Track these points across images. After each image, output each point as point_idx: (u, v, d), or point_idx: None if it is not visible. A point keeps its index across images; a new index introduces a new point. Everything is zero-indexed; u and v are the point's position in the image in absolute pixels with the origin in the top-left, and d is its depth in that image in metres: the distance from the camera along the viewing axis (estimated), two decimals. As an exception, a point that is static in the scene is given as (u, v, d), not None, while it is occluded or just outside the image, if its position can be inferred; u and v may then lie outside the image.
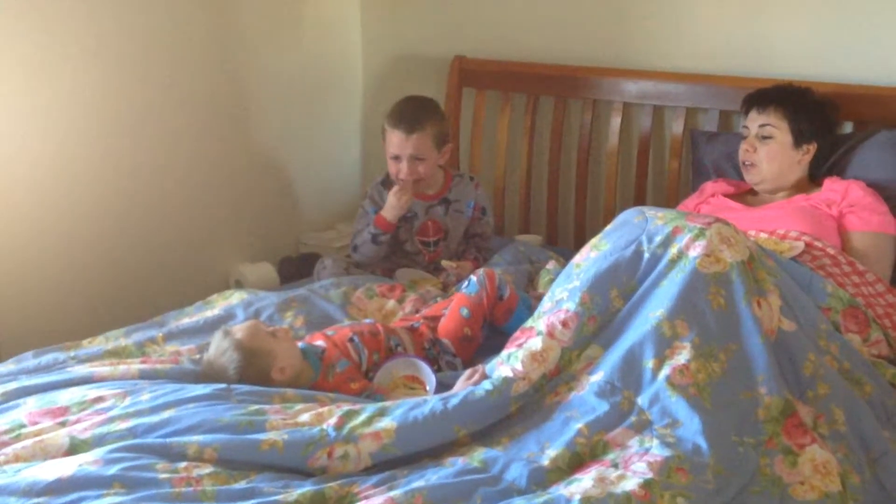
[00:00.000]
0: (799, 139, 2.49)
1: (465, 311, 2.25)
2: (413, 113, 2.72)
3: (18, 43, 2.53)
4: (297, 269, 3.22)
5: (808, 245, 2.26)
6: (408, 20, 3.47)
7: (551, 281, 2.28)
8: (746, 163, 2.56)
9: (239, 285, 3.08)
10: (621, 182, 3.07)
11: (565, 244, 3.16)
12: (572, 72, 3.08)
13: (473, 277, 2.30)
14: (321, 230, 3.49)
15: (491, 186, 3.26)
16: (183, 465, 1.66)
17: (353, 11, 3.54)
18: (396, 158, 2.74)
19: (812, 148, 2.51)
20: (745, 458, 1.70)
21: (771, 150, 2.50)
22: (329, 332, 2.20)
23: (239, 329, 2.08)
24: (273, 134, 3.32)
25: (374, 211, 2.81)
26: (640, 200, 2.97)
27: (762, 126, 2.51)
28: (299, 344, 2.15)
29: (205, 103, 3.05)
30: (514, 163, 3.27)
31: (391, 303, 2.50)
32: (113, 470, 1.62)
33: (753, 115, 2.54)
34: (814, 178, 2.58)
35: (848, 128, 2.67)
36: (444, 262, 2.71)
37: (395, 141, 2.72)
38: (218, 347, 2.05)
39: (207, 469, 1.66)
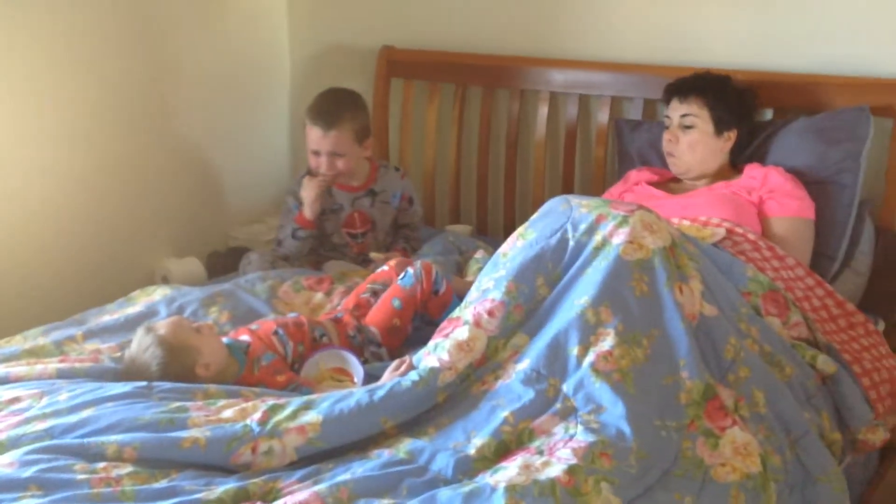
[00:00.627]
0: (720, 127, 2.53)
1: (396, 302, 2.24)
2: (331, 109, 2.69)
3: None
4: (226, 263, 3.17)
5: (729, 231, 2.30)
6: (335, 10, 3.44)
7: (480, 270, 2.28)
8: (670, 153, 2.59)
9: (165, 281, 3.03)
10: (549, 171, 3.09)
11: (495, 234, 3.16)
12: (500, 61, 3.08)
13: (410, 269, 2.29)
14: (250, 223, 3.45)
15: (420, 177, 3.25)
16: (102, 465, 1.63)
17: (280, 1, 3.50)
18: (316, 153, 2.72)
19: (733, 135, 2.55)
20: (667, 441, 1.72)
21: (693, 140, 2.54)
22: (253, 326, 2.18)
23: (162, 325, 2.05)
24: (199, 126, 3.26)
25: (295, 206, 2.79)
26: (567, 189, 3.00)
27: (683, 116, 2.54)
28: (224, 339, 2.11)
29: (127, 95, 2.98)
30: (443, 153, 3.26)
31: (319, 295, 2.48)
32: (29, 472, 1.58)
33: (675, 104, 2.57)
34: (734, 164, 2.62)
35: (768, 115, 2.72)
36: (373, 255, 2.70)
37: (314, 137, 2.69)
38: (140, 344, 2.01)
39: (127, 469, 1.63)
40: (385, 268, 2.40)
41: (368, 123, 2.81)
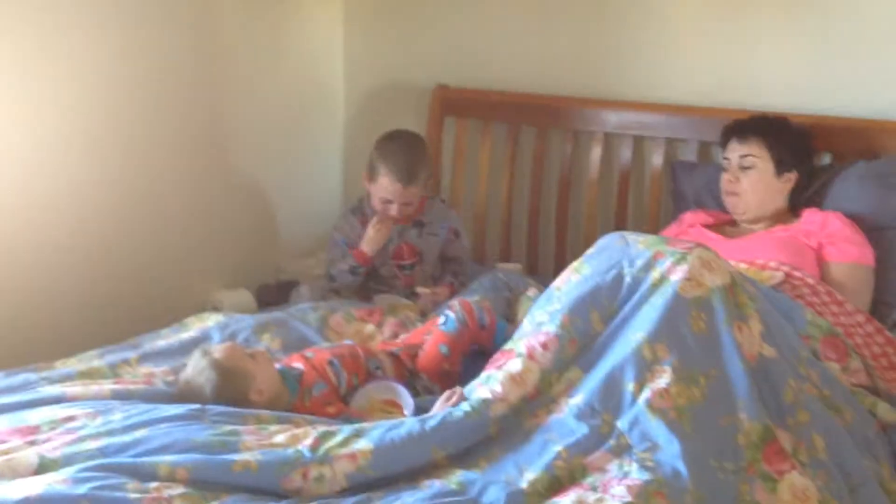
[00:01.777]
0: (780, 167, 2.51)
1: (443, 349, 2.23)
2: (411, 165, 2.70)
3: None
4: (276, 296, 3.19)
5: (787, 275, 2.27)
6: (390, 48, 3.48)
7: (530, 308, 2.27)
8: (730, 193, 2.57)
9: (216, 311, 3.04)
10: (601, 212, 3.08)
11: (545, 273, 3.14)
12: (553, 102, 3.10)
13: (451, 314, 2.27)
14: (301, 257, 3.47)
15: (472, 215, 3.25)
16: (154, 485, 1.63)
17: (336, 39, 3.55)
18: (388, 202, 2.74)
19: (793, 176, 2.53)
20: (724, 483, 1.69)
21: (753, 180, 2.52)
22: (308, 353, 2.18)
23: (217, 349, 2.06)
24: (254, 160, 3.30)
25: (343, 241, 2.82)
26: (619, 229, 2.88)
27: (743, 156, 2.52)
28: (277, 366, 2.12)
29: (186, 128, 3.03)
30: (495, 191, 3.27)
31: (370, 327, 2.48)
32: (82, 489, 1.58)
33: (734, 145, 2.55)
34: (792, 208, 2.60)
35: (826, 159, 2.69)
36: (420, 289, 2.70)
37: (391, 189, 2.71)
38: (195, 366, 2.02)
39: (179, 489, 1.63)
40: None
41: (433, 167, 2.86)
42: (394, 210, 2.74)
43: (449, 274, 2.87)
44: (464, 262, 2.92)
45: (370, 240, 2.74)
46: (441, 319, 2.29)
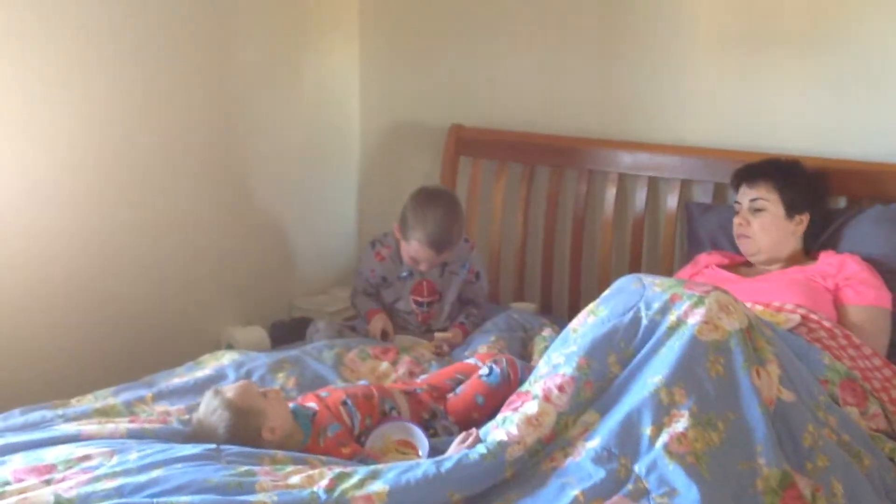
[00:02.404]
0: (791, 210, 2.51)
1: (480, 399, 2.22)
2: (446, 235, 2.70)
3: (9, 93, 2.54)
4: (289, 333, 3.19)
5: (804, 318, 2.26)
6: (406, 88, 3.51)
7: (546, 348, 2.26)
8: (741, 236, 2.57)
9: (230, 348, 3.05)
10: (616, 252, 3.08)
11: (559, 313, 3.15)
12: (568, 142, 3.11)
13: (496, 368, 2.25)
14: (314, 294, 3.48)
15: (486, 254, 3.26)
16: (170, 525, 1.62)
17: (352, 78, 3.58)
18: (417, 260, 2.78)
19: (805, 218, 2.53)
20: (743, 529, 1.67)
21: (764, 222, 2.53)
22: (322, 393, 2.18)
23: (230, 388, 2.06)
24: (269, 199, 3.32)
25: (364, 274, 2.88)
26: (634, 270, 2.97)
27: (753, 200, 2.54)
28: (290, 405, 2.12)
29: (201, 166, 3.05)
30: (509, 231, 3.28)
31: (385, 365, 2.48)
32: (98, 529, 1.58)
33: (744, 189, 2.57)
34: (808, 251, 2.59)
35: (842, 203, 2.69)
36: (438, 336, 2.71)
37: (423, 255, 2.73)
38: (208, 406, 2.02)
39: (195, 530, 1.62)
40: (478, 363, 2.35)
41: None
42: (423, 267, 2.78)
43: (463, 315, 2.87)
44: (481, 304, 2.92)
45: (372, 332, 2.79)
46: (485, 370, 2.26)
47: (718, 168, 2.80)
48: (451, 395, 2.26)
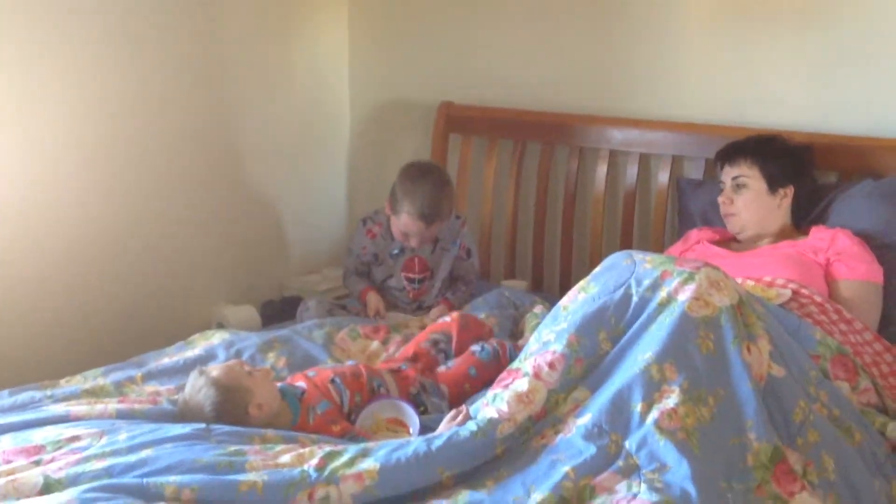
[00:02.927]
0: (773, 184, 2.52)
1: (473, 371, 2.25)
2: (435, 206, 2.71)
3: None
4: (280, 312, 3.19)
5: (795, 293, 2.26)
6: (395, 66, 3.49)
7: (537, 325, 2.26)
8: (726, 214, 2.58)
9: (221, 327, 3.04)
10: (607, 229, 3.07)
11: (551, 290, 3.14)
12: (559, 119, 3.10)
13: (487, 346, 2.31)
14: (305, 273, 3.47)
15: (477, 232, 3.25)
16: (160, 505, 1.62)
17: (341, 57, 3.56)
18: (407, 235, 2.77)
19: (789, 192, 2.53)
20: (733, 504, 1.67)
21: (747, 199, 2.53)
22: (310, 373, 2.17)
23: (215, 367, 2.07)
24: (260, 177, 3.31)
25: (356, 252, 2.87)
26: (625, 247, 2.94)
27: (735, 178, 2.54)
28: (278, 384, 2.11)
29: (191, 147, 3.03)
30: (500, 209, 3.27)
31: (375, 344, 2.48)
32: (87, 510, 1.57)
33: (726, 168, 2.58)
34: (799, 226, 2.59)
35: (833, 178, 2.69)
36: (427, 318, 2.72)
37: (413, 227, 2.73)
38: (194, 385, 2.02)
39: (185, 510, 1.62)
40: (447, 319, 2.39)
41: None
42: (413, 242, 2.78)
43: (450, 291, 2.86)
44: (470, 282, 2.92)
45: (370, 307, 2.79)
46: (477, 347, 2.32)
47: (709, 144, 2.78)
48: (442, 368, 2.27)
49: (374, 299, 2.79)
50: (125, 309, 2.89)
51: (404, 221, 2.73)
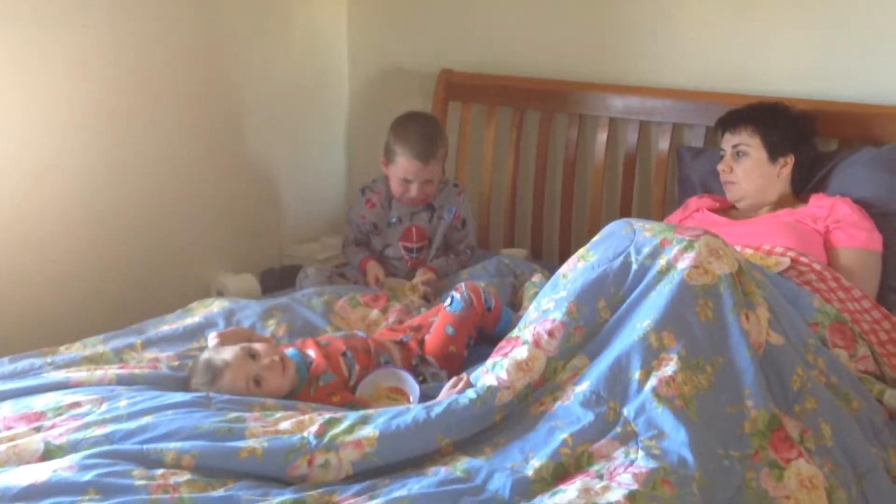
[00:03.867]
0: (774, 153, 2.51)
1: (449, 329, 2.23)
2: (429, 143, 2.71)
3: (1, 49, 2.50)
4: (280, 280, 3.19)
5: (793, 260, 2.26)
6: (394, 33, 3.46)
7: (536, 293, 2.26)
8: (726, 182, 2.57)
9: (220, 296, 3.04)
10: (607, 197, 3.07)
11: (550, 258, 3.14)
12: (559, 86, 3.08)
13: (457, 294, 2.27)
14: (305, 242, 3.46)
15: (476, 200, 3.24)
16: (160, 471, 1.63)
17: (341, 24, 3.53)
18: (408, 181, 2.74)
19: (789, 160, 2.52)
20: (730, 471, 1.68)
21: (747, 167, 2.52)
22: (322, 341, 2.17)
23: (225, 352, 2.03)
24: (259, 145, 3.29)
25: (355, 222, 2.87)
26: (625, 215, 2.97)
27: (735, 146, 2.53)
28: (289, 350, 2.11)
29: (191, 113, 3.02)
30: (499, 177, 3.26)
31: (375, 312, 2.48)
32: (88, 476, 1.58)
33: (727, 136, 2.57)
34: (799, 194, 2.59)
35: (834, 145, 2.68)
36: (418, 281, 2.72)
37: (412, 169, 2.71)
38: (202, 371, 2.02)
39: (185, 476, 1.63)
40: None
41: (448, 145, 2.88)
42: (413, 190, 2.75)
43: (440, 259, 2.85)
44: (461, 252, 2.89)
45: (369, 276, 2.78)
46: (447, 301, 2.29)
47: (710, 111, 2.77)
48: (426, 337, 2.27)
49: (373, 268, 2.79)
50: (125, 277, 2.90)
51: (401, 166, 2.72)
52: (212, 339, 2.13)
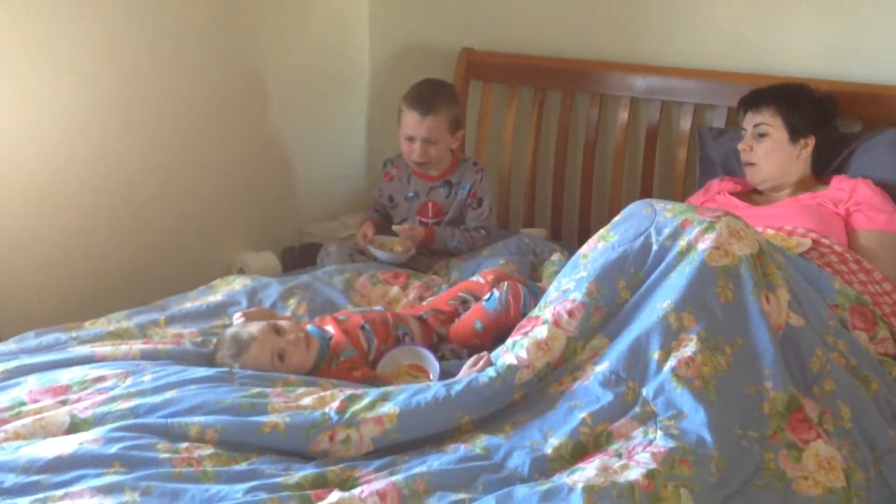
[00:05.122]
0: (795, 134, 2.49)
1: (478, 325, 2.20)
2: (430, 95, 2.74)
3: (25, 29, 2.51)
4: (300, 258, 3.21)
5: (815, 242, 2.25)
6: (416, 12, 3.45)
7: (556, 273, 2.27)
8: (746, 163, 2.56)
9: (242, 273, 3.06)
10: (627, 178, 3.06)
11: (569, 239, 3.14)
12: (580, 66, 3.07)
13: (497, 292, 2.21)
14: (324, 220, 3.48)
15: (496, 179, 3.24)
16: (184, 445, 1.66)
17: (361, 2, 3.53)
18: (410, 139, 2.76)
19: (810, 142, 2.51)
20: (748, 451, 1.69)
21: (767, 147, 2.51)
22: (340, 317, 2.19)
23: (251, 327, 2.06)
24: (279, 124, 3.30)
25: (374, 194, 2.94)
26: (645, 196, 2.95)
27: (757, 125, 2.52)
28: (309, 327, 2.13)
29: (211, 92, 3.03)
30: (520, 156, 3.26)
31: (395, 289, 2.49)
32: (113, 449, 1.61)
33: (749, 116, 2.55)
34: (820, 176, 2.57)
35: (856, 127, 2.66)
36: (395, 227, 2.74)
37: (411, 122, 2.73)
38: (228, 346, 2.05)
39: (208, 450, 1.65)
40: (481, 280, 2.34)
41: (462, 115, 2.89)
42: (416, 151, 2.75)
43: (449, 228, 2.84)
44: (474, 231, 2.82)
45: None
46: (486, 296, 2.23)
47: (732, 92, 2.75)
48: (456, 321, 2.27)
49: (364, 225, 2.83)
50: (148, 254, 2.92)
51: (403, 122, 2.75)
52: (237, 317, 2.15)
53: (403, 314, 2.25)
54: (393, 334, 2.16)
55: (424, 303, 2.38)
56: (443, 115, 2.74)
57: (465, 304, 2.29)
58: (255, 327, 2.04)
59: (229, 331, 2.08)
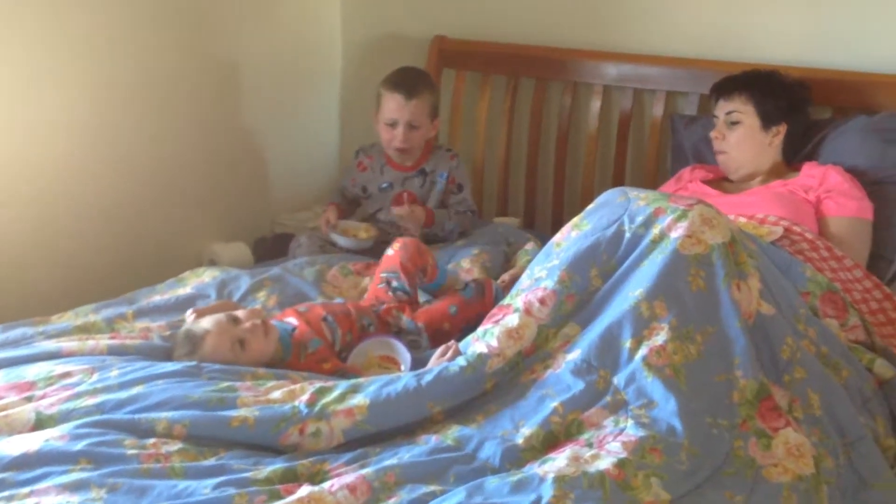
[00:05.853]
0: (766, 121, 2.49)
1: (453, 309, 2.22)
2: (413, 79, 2.74)
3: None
4: (272, 249, 3.18)
5: (786, 230, 2.26)
6: (388, 0, 3.43)
7: (529, 262, 2.26)
8: (718, 152, 2.56)
9: (212, 265, 3.03)
10: (600, 165, 3.05)
11: (543, 227, 3.14)
12: (553, 53, 3.06)
13: (472, 284, 2.29)
14: (297, 211, 3.45)
15: (470, 168, 3.22)
16: (151, 441, 1.64)
17: (333, -11, 3.50)
18: (392, 124, 2.73)
19: (782, 129, 2.51)
20: (718, 439, 1.69)
21: (739, 135, 2.51)
22: (301, 308, 2.17)
23: (205, 322, 2.03)
24: (250, 114, 3.27)
25: (345, 183, 2.92)
26: (618, 184, 2.94)
27: (729, 113, 2.52)
28: (271, 321, 2.11)
29: (180, 82, 2.99)
30: (493, 145, 3.24)
31: (366, 280, 2.48)
32: (79, 445, 1.60)
33: (721, 103, 2.55)
34: (791, 163, 2.58)
35: (826, 113, 2.67)
36: (395, 209, 2.73)
37: (393, 105, 2.71)
38: (182, 343, 2.02)
39: (176, 445, 1.64)
40: (390, 252, 2.34)
41: (439, 103, 2.88)
42: (399, 136, 2.73)
43: (443, 210, 2.84)
44: (460, 213, 2.85)
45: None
46: (461, 286, 2.32)
47: (704, 79, 2.74)
48: (425, 306, 2.27)
49: (328, 210, 2.82)
50: (116, 246, 2.89)
51: (385, 106, 2.73)
52: (188, 314, 2.13)
53: (364, 306, 2.23)
54: (357, 324, 2.15)
55: (362, 300, 2.35)
56: (425, 99, 2.74)
57: (389, 283, 2.27)
58: (207, 321, 2.02)
59: (182, 329, 2.06)
